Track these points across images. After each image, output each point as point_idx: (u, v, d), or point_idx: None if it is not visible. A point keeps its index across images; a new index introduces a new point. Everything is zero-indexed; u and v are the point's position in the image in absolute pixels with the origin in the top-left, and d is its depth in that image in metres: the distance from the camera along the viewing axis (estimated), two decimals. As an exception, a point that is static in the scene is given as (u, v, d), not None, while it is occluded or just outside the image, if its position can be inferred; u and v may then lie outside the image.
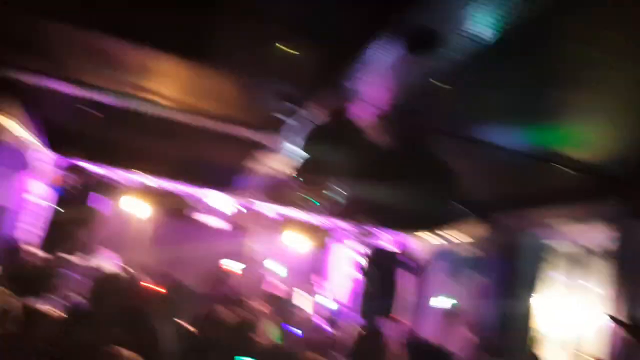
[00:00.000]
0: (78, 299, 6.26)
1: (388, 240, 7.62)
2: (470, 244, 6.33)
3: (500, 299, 5.69)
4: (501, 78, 3.07)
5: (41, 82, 4.50)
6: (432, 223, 6.74)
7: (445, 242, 6.97)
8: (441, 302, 4.07)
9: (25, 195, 6.57)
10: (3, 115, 5.12)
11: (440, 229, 6.89)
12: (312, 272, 8.38)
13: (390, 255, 7.51)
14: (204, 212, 8.22)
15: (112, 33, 3.51)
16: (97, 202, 7.29)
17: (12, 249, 4.77)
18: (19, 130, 5.57)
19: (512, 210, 5.61)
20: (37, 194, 6.79)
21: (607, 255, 4.39)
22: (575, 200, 4.68)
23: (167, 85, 4.30)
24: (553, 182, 4.57)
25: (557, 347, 5.22)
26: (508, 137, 3.99)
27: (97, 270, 6.37)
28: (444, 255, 7.01)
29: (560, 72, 2.88)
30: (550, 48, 2.64)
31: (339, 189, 3.64)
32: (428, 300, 6.94)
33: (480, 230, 6.18)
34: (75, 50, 3.83)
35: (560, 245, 5.43)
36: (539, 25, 2.40)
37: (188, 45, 3.50)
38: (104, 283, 4.04)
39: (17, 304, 3.15)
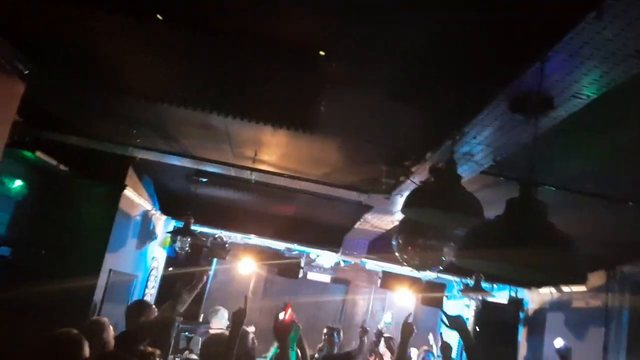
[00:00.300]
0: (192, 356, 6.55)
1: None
2: (588, 294, 5.96)
3: (622, 354, 5.31)
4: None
5: (158, 157, 4.88)
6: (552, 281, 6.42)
7: (558, 294, 6.62)
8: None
9: (150, 261, 7.04)
10: (131, 191, 5.57)
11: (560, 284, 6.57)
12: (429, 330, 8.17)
13: (499, 307, 7.21)
14: (312, 270, 8.37)
15: (221, 111, 3.76)
16: (207, 262, 7.63)
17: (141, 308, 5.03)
18: (141, 201, 6.03)
19: (634, 261, 5.27)
20: (157, 257, 7.25)
21: None
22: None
23: (274, 154, 4.50)
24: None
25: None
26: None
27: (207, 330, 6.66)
28: (559, 305, 6.63)
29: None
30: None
31: (441, 249, 3.61)
32: (541, 354, 6.57)
33: (600, 280, 5.82)
34: (187, 127, 4.12)
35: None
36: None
37: (293, 118, 3.67)
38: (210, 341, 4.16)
39: None
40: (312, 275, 9.04)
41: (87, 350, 3.09)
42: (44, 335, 3.05)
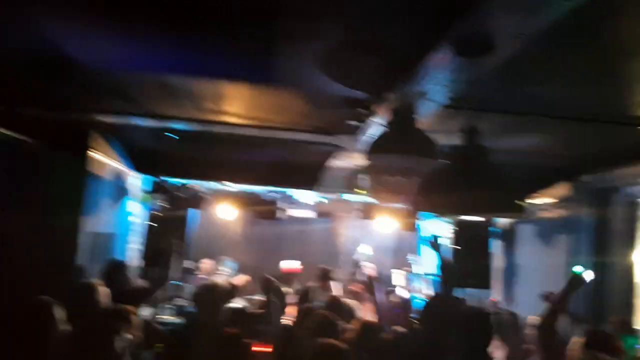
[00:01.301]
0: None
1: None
2: (559, 206, 6.26)
3: (594, 258, 5.66)
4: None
5: (125, 120, 4.88)
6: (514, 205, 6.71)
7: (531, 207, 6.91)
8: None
9: (129, 218, 7.13)
10: (99, 154, 5.58)
11: (526, 200, 6.86)
12: (408, 252, 8.50)
13: (473, 223, 7.46)
14: (295, 208, 8.56)
15: (184, 71, 3.78)
16: (189, 214, 7.76)
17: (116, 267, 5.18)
18: (111, 161, 6.05)
19: (598, 170, 5.52)
20: (136, 214, 7.34)
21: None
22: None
23: (237, 106, 4.53)
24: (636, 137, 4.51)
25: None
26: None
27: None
28: (532, 219, 6.95)
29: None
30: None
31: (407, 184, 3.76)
32: (516, 266, 6.93)
33: (568, 192, 6.10)
34: (146, 88, 4.12)
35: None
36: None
37: (253, 71, 3.70)
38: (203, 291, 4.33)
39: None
40: (295, 213, 9.21)
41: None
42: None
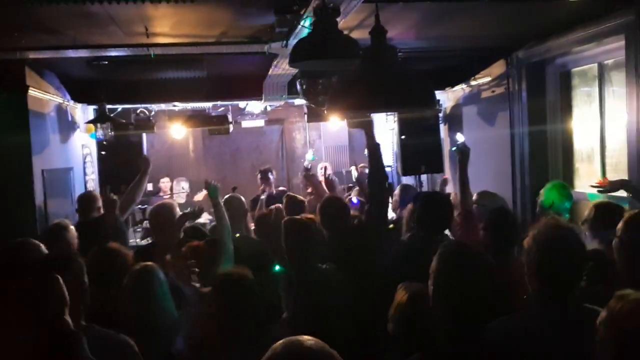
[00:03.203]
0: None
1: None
2: (497, 84, 6.47)
3: (524, 129, 5.97)
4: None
5: (51, 54, 4.78)
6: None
7: (468, 88, 7.13)
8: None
9: (81, 151, 7.12)
10: (38, 91, 5.48)
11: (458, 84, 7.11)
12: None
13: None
14: (245, 119, 8.61)
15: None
16: (137, 138, 7.75)
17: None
18: (50, 96, 5.95)
19: (531, 45, 5.69)
20: (86, 144, 7.32)
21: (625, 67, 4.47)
22: (586, 21, 4.77)
23: (165, 26, 4.47)
24: (561, 10, 4.65)
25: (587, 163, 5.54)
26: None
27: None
28: (470, 98, 7.19)
29: None
30: None
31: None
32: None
33: (500, 69, 6.30)
34: (69, 20, 4.04)
35: (580, 67, 5.54)
36: None
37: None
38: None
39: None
40: (246, 124, 9.27)
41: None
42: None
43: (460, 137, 4.35)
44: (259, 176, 7.05)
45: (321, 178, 6.67)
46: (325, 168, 7.69)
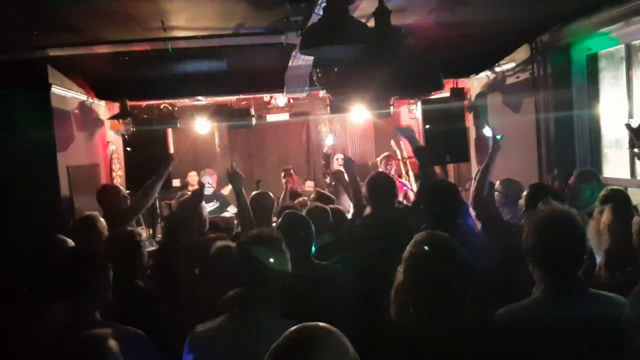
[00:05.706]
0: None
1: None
2: (518, 69, 6.33)
3: (550, 114, 5.82)
4: None
5: (73, 51, 4.86)
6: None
7: (493, 75, 6.99)
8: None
9: (107, 148, 7.23)
10: (61, 89, 5.58)
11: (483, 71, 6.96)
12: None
13: (443, 100, 7.48)
14: (270, 112, 8.61)
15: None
16: (163, 134, 7.80)
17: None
18: (73, 94, 6.06)
19: (554, 27, 5.54)
20: (112, 141, 7.42)
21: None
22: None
23: (181, 19, 4.50)
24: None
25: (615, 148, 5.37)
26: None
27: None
28: (495, 85, 7.04)
29: None
30: None
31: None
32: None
33: (525, 54, 6.15)
34: (91, 17, 4.10)
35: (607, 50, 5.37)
36: None
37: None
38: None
39: None
40: (270, 117, 9.28)
41: None
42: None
43: (487, 132, 4.20)
44: (282, 174, 6.98)
45: (340, 168, 6.62)
46: (341, 158, 7.64)
